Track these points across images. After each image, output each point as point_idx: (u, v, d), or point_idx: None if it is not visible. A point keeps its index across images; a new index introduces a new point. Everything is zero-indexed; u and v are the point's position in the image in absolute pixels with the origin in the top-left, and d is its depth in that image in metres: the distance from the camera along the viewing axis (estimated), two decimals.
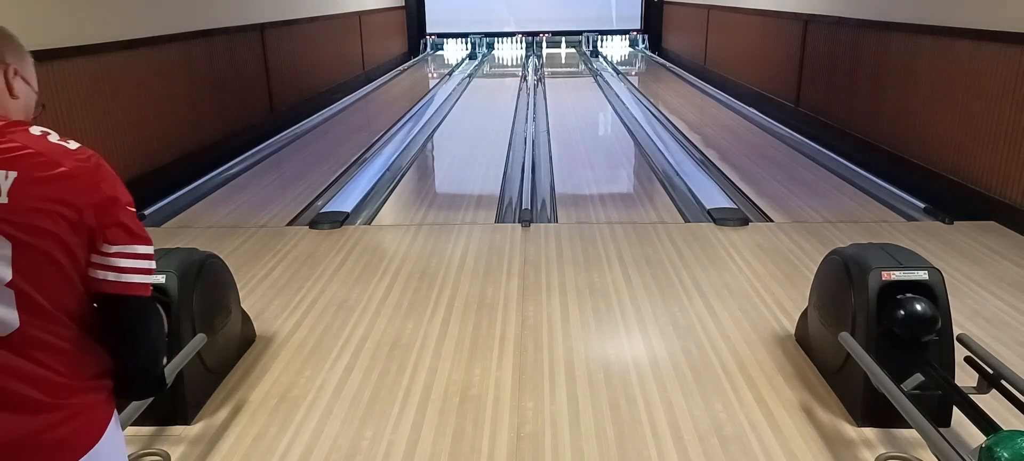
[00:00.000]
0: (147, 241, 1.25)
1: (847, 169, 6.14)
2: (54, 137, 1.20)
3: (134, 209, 1.26)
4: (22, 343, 1.13)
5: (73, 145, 1.20)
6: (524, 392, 2.83)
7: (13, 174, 1.11)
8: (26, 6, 4.67)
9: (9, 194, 1.10)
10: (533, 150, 7.13)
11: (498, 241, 4.53)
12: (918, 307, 2.48)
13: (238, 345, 3.11)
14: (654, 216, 5.05)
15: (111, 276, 1.19)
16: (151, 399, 2.32)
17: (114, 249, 1.19)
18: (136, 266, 1.22)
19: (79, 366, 1.21)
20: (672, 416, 2.66)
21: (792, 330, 3.28)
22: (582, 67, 14.84)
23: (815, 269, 3.02)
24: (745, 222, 4.80)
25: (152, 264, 1.26)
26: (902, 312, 2.49)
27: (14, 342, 1.13)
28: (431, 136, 8.35)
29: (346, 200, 5.47)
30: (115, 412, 1.30)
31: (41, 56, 4.81)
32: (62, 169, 1.15)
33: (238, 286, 3.20)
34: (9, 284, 1.10)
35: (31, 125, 1.21)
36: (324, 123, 9.00)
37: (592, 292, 3.75)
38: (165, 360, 1.34)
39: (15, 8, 4.57)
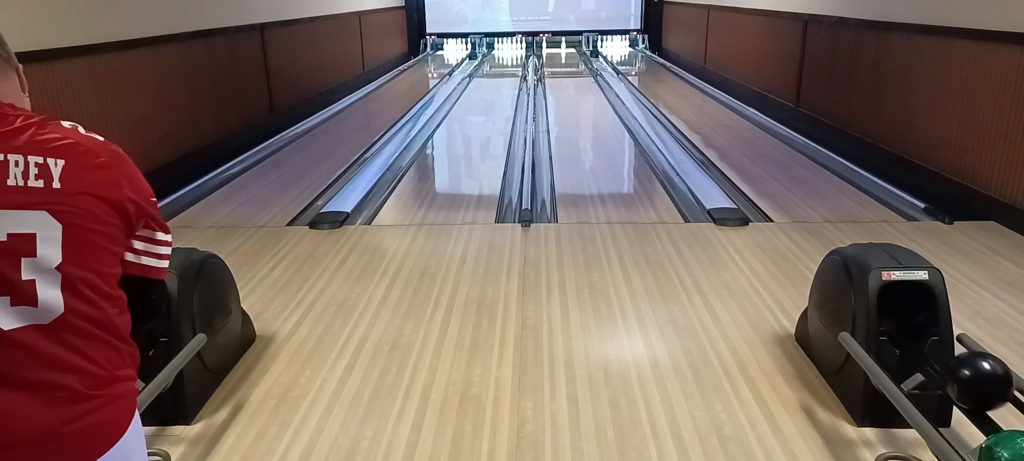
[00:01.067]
0: (169, 230, 1.37)
1: (847, 169, 6.14)
2: (81, 129, 1.26)
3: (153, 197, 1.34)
4: (63, 330, 1.14)
5: (100, 138, 1.28)
6: (524, 392, 2.83)
7: (62, 162, 1.15)
8: (26, 6, 4.66)
9: (61, 180, 1.14)
10: (533, 150, 7.13)
11: (498, 241, 4.53)
12: (986, 366, 2.01)
13: (238, 345, 3.12)
14: (654, 216, 5.06)
15: (146, 261, 1.31)
16: (149, 402, 2.32)
17: (150, 236, 1.31)
18: (165, 253, 1.35)
19: (114, 357, 1.22)
20: (672, 416, 2.66)
21: (792, 330, 3.28)
22: (582, 67, 14.84)
23: (815, 269, 3.02)
24: (745, 222, 4.80)
25: (170, 247, 1.38)
26: (967, 373, 2.04)
27: (56, 328, 1.13)
28: (431, 136, 8.35)
29: (346, 200, 5.47)
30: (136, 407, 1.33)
31: (41, 56, 4.82)
32: (102, 159, 1.22)
33: (238, 286, 3.20)
34: (58, 267, 1.12)
35: (70, 123, 1.27)
36: (324, 123, 9.00)
37: (592, 292, 3.75)
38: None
39: (15, 8, 4.57)
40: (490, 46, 17.62)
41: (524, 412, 2.70)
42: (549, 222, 4.97)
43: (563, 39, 17.69)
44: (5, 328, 1.10)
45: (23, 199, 1.11)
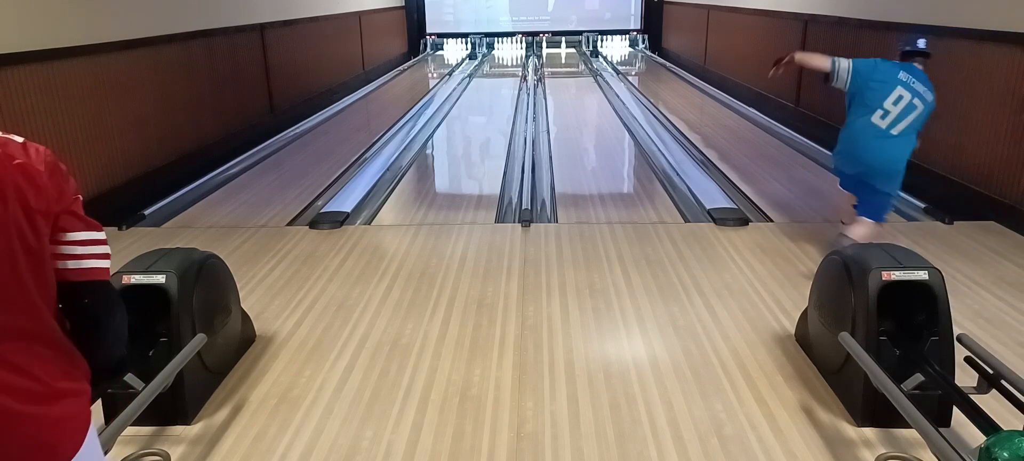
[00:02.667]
0: (99, 228, 1.27)
1: None
2: (15, 138, 1.20)
3: (80, 199, 1.28)
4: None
5: (20, 138, 1.21)
6: (524, 392, 2.83)
7: None
8: (26, 6, 4.66)
9: None
10: (533, 150, 7.13)
11: (498, 241, 4.53)
12: None
13: (238, 345, 3.12)
14: (654, 216, 5.06)
15: (70, 264, 1.21)
16: (149, 402, 2.32)
17: (70, 237, 1.22)
18: (92, 252, 1.24)
19: (58, 369, 1.19)
20: (672, 416, 2.66)
21: (792, 330, 3.28)
22: (582, 67, 14.84)
23: (815, 269, 3.02)
24: (745, 222, 4.80)
25: (106, 249, 1.27)
26: None
27: None
28: (431, 136, 8.35)
29: (346, 200, 5.47)
30: (92, 425, 1.28)
31: (41, 56, 4.83)
32: (18, 161, 1.15)
33: (238, 286, 3.20)
34: None
35: None
36: (324, 123, 9.00)
37: (592, 292, 3.75)
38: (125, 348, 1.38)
39: (15, 8, 4.57)
40: (490, 46, 17.62)
41: (524, 412, 2.70)
42: (549, 222, 4.97)
43: (563, 39, 17.69)
44: None
45: None
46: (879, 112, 3.73)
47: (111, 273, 1.27)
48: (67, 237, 1.22)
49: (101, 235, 1.27)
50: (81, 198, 1.28)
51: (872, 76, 3.76)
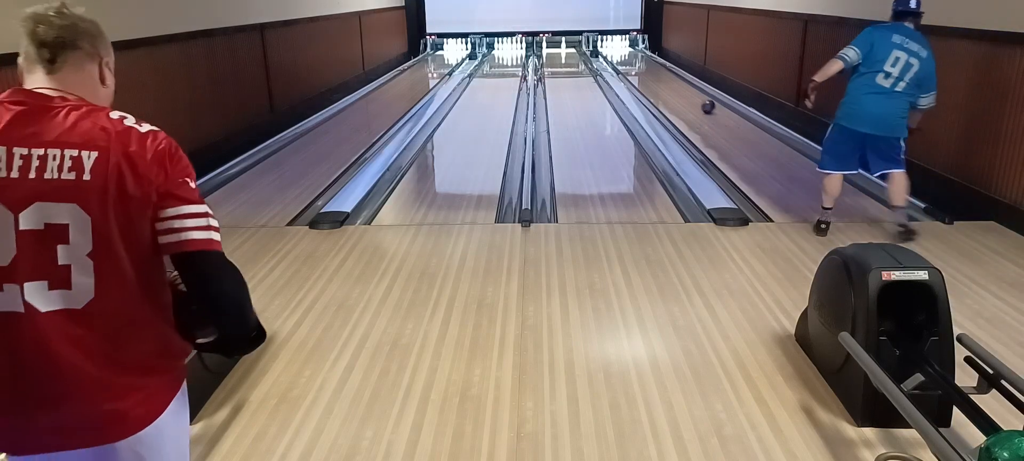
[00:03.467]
0: (197, 201, 1.31)
1: None
2: (130, 120, 1.30)
3: (192, 181, 1.33)
4: (94, 315, 1.23)
5: (145, 128, 1.31)
6: (524, 392, 2.83)
7: (95, 154, 1.22)
8: (26, 6, 4.66)
9: (91, 172, 1.21)
10: (533, 150, 7.13)
11: (498, 241, 4.53)
12: None
13: None
14: (654, 216, 5.06)
15: (174, 237, 1.26)
16: None
17: (170, 213, 1.27)
18: (193, 225, 1.28)
19: (146, 343, 1.31)
20: (672, 416, 2.66)
21: (792, 330, 3.28)
22: (582, 67, 14.84)
23: (815, 269, 3.02)
24: (745, 222, 4.80)
25: (210, 221, 1.31)
26: None
27: (87, 313, 1.23)
28: (431, 136, 8.35)
29: (346, 200, 5.47)
30: (179, 393, 1.42)
31: None
32: (132, 149, 1.25)
33: None
34: (90, 255, 1.21)
35: (111, 110, 1.31)
36: (324, 123, 9.00)
37: (592, 292, 3.75)
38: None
39: (16, 8, 4.57)
40: (490, 46, 17.62)
41: (524, 412, 2.70)
42: (549, 222, 4.97)
43: (563, 39, 17.70)
44: (42, 310, 1.20)
45: (54, 188, 1.19)
46: (881, 74, 4.18)
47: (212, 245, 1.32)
48: (164, 214, 1.26)
49: (199, 208, 1.30)
50: (189, 181, 1.31)
51: (872, 46, 4.21)
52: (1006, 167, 4.75)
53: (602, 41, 17.57)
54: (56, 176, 1.20)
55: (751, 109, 9.17)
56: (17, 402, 1.26)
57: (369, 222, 5.05)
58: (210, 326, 1.39)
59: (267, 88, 8.56)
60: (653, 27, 17.17)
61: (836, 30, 7.40)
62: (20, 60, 1.32)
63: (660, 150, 7.06)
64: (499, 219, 5.08)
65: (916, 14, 4.28)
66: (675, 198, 5.49)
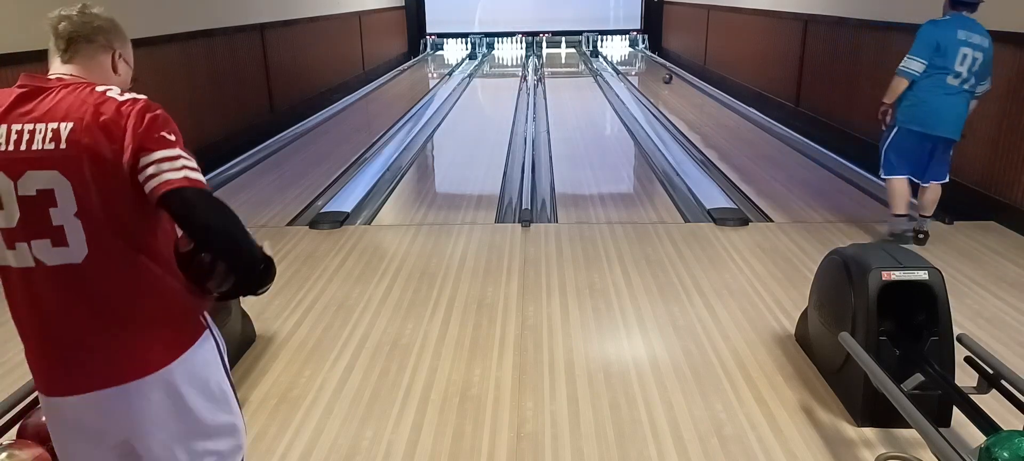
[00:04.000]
0: (173, 146, 1.38)
1: (847, 169, 6.14)
2: (113, 92, 1.41)
3: (170, 134, 1.39)
4: (93, 268, 1.39)
5: (125, 97, 1.40)
6: (524, 392, 2.83)
7: (70, 124, 1.35)
8: (26, 6, 4.66)
9: (66, 141, 1.34)
10: (533, 150, 7.13)
11: (498, 241, 4.53)
12: None
13: (238, 345, 3.11)
14: (654, 216, 5.06)
15: (152, 183, 1.34)
16: None
17: (150, 158, 1.35)
18: (171, 166, 1.36)
19: (153, 296, 1.45)
20: (672, 416, 2.66)
21: (792, 330, 3.28)
22: (582, 67, 14.84)
23: (815, 269, 3.02)
24: (745, 222, 4.80)
25: (187, 162, 1.38)
26: None
27: (86, 267, 1.38)
28: (431, 136, 8.35)
29: (346, 200, 5.47)
30: (205, 332, 1.55)
31: (41, 56, 4.81)
32: (105, 117, 1.36)
33: None
34: (76, 215, 1.35)
35: (99, 85, 1.43)
36: (324, 123, 9.00)
37: (592, 292, 3.75)
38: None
39: (16, 8, 4.57)
40: (490, 46, 17.62)
41: (524, 412, 2.70)
42: (549, 222, 4.97)
43: (563, 39, 17.70)
44: (49, 264, 1.38)
45: (40, 159, 1.34)
46: (950, 75, 3.99)
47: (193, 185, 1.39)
48: (141, 164, 1.35)
49: (172, 152, 1.37)
50: (166, 135, 1.38)
51: (937, 47, 3.99)
52: (1006, 167, 4.74)
53: (602, 41, 17.56)
54: (40, 147, 1.34)
55: (751, 109, 9.17)
56: (47, 348, 1.46)
57: (369, 222, 5.05)
58: (218, 273, 1.47)
59: (267, 88, 8.56)
60: (653, 27, 17.16)
61: (836, 30, 7.41)
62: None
63: (660, 150, 7.06)
64: (499, 219, 5.08)
65: (973, 4, 4.04)
66: (675, 198, 5.49)
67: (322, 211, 5.19)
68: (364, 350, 3.18)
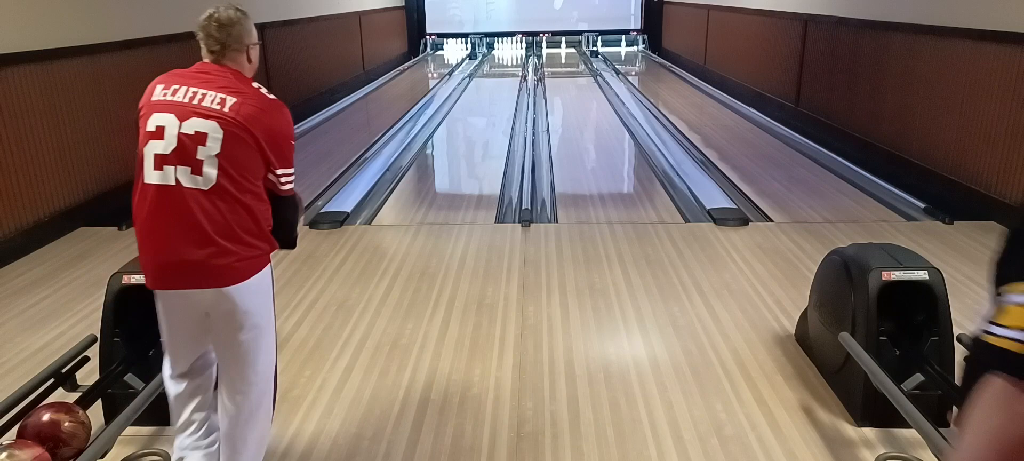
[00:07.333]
0: (292, 163, 2.10)
1: (847, 169, 6.14)
2: (263, 90, 2.06)
3: (293, 141, 2.11)
4: (214, 195, 1.91)
5: (271, 96, 2.06)
6: (524, 392, 2.83)
7: (235, 99, 1.96)
8: (26, 6, 4.66)
9: (231, 109, 1.94)
10: (533, 150, 7.13)
11: (498, 241, 4.53)
12: None
13: None
14: (654, 216, 5.06)
15: (276, 186, 2.07)
16: (149, 402, 2.33)
17: (279, 171, 2.04)
18: (287, 185, 2.10)
19: (246, 224, 1.97)
20: (672, 416, 2.66)
21: (792, 330, 3.28)
22: (582, 67, 14.84)
23: (815, 269, 3.02)
24: (745, 222, 4.80)
25: (293, 177, 2.12)
26: None
27: (211, 194, 1.91)
28: (431, 136, 8.35)
29: (346, 200, 5.47)
30: (267, 267, 2.12)
31: (41, 56, 4.82)
32: (257, 103, 1.99)
33: None
34: (217, 156, 1.91)
35: (253, 82, 2.09)
36: (324, 123, 9.00)
37: (592, 292, 3.75)
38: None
39: (15, 8, 4.57)
40: (490, 46, 17.61)
41: (524, 412, 2.70)
42: (549, 222, 4.97)
43: (563, 39, 17.69)
44: (185, 185, 1.89)
45: (206, 113, 1.92)
46: None
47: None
48: (272, 166, 2.02)
49: (290, 170, 2.09)
50: (292, 143, 2.10)
51: None
52: (1006, 167, 4.75)
53: (602, 41, 17.56)
54: (209, 105, 1.93)
55: (751, 109, 9.17)
56: (171, 248, 1.92)
57: (369, 222, 5.05)
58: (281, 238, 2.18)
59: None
60: (653, 27, 17.16)
61: (836, 30, 7.41)
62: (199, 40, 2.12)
63: (660, 150, 7.06)
64: (499, 219, 5.08)
65: None
66: (675, 198, 5.49)
67: (322, 211, 5.18)
68: (364, 350, 3.18)
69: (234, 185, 1.92)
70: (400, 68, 14.80)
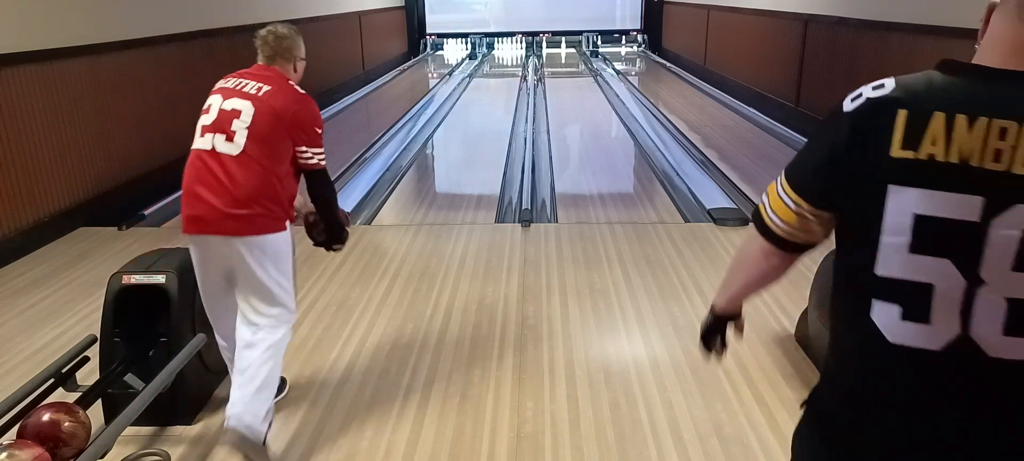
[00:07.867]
0: (319, 144, 2.45)
1: None
2: (296, 87, 2.47)
3: (320, 128, 2.47)
4: (242, 160, 2.28)
5: (301, 90, 2.47)
6: (524, 392, 2.83)
7: (269, 88, 2.38)
8: (26, 6, 4.66)
9: (264, 94, 2.35)
10: (533, 150, 7.13)
11: (498, 241, 4.53)
12: None
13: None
14: (654, 216, 5.06)
15: (301, 160, 2.42)
16: (149, 402, 2.33)
17: (302, 149, 2.40)
18: (313, 161, 2.44)
19: (267, 190, 2.31)
20: (672, 416, 2.66)
21: (792, 330, 3.28)
22: (582, 67, 14.84)
23: (815, 269, 3.02)
24: (745, 222, 4.80)
25: (322, 155, 2.47)
26: None
27: (239, 159, 2.28)
28: (431, 136, 8.35)
29: (346, 200, 5.47)
30: (285, 230, 2.42)
31: (41, 56, 4.82)
32: (288, 94, 2.40)
33: None
34: (247, 128, 2.30)
35: (291, 82, 2.50)
36: (324, 123, 8.98)
37: (592, 292, 3.75)
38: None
39: (15, 8, 4.57)
40: (490, 46, 17.61)
41: (524, 412, 2.70)
42: (549, 222, 4.97)
43: (563, 39, 17.69)
44: (219, 150, 2.31)
45: (245, 95, 2.36)
46: None
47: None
48: (298, 145, 2.40)
49: (317, 149, 2.44)
50: (317, 129, 2.45)
51: None
52: None
53: (602, 41, 17.56)
54: (248, 90, 2.37)
55: (751, 109, 9.17)
56: (203, 200, 2.28)
57: (369, 222, 5.05)
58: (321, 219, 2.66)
59: None
60: (653, 27, 17.17)
61: (836, 30, 7.41)
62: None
63: (660, 150, 7.06)
64: (499, 219, 5.08)
65: None
66: (675, 198, 5.49)
67: None
68: (364, 350, 3.18)
69: (259, 154, 2.29)
70: (400, 68, 14.81)
